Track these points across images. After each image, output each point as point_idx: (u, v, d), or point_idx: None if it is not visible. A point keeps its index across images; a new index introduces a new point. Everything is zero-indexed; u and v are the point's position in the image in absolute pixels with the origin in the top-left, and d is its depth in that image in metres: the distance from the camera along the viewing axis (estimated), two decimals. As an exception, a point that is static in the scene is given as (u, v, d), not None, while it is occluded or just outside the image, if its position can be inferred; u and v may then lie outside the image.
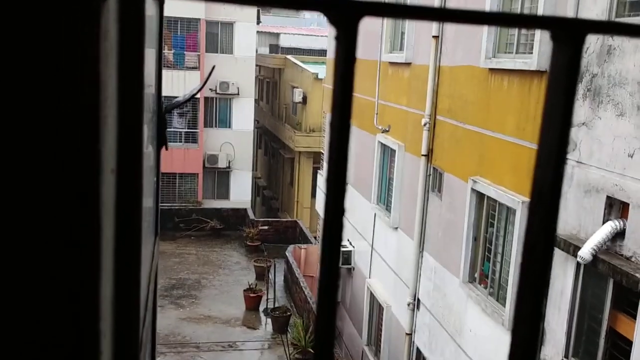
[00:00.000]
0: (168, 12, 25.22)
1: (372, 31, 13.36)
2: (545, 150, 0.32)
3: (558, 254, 6.90)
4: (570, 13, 6.88)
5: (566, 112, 0.31)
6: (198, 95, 25.29)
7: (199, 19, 25.31)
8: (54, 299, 0.46)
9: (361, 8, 0.29)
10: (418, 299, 11.02)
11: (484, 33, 8.78)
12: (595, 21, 0.32)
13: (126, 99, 0.58)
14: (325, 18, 0.30)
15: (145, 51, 0.75)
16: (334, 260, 0.36)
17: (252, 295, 17.75)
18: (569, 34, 0.31)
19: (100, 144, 0.41)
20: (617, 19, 6.25)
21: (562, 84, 0.31)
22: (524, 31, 8.30)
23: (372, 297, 13.28)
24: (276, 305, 17.30)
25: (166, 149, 1.44)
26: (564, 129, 0.31)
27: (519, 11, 8.21)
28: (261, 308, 17.82)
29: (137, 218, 0.72)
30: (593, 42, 6.44)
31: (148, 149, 1.25)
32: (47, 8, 0.39)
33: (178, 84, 24.31)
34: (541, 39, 7.47)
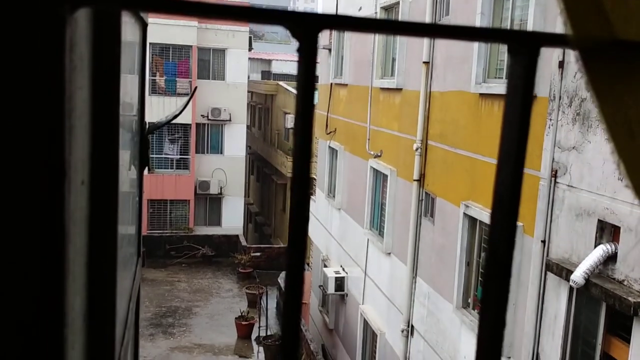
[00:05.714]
0: (160, 39, 25.42)
1: (363, 57, 13.50)
2: (505, 157, 0.33)
3: (551, 278, 6.89)
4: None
5: (523, 121, 0.32)
6: (190, 121, 25.39)
7: (191, 46, 25.53)
8: (16, 306, 0.46)
9: (319, 21, 0.30)
10: (412, 325, 10.94)
11: (474, 58, 8.88)
12: (549, 34, 0.33)
13: (100, 111, 0.58)
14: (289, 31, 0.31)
15: (122, 66, 0.76)
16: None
17: (244, 323, 17.57)
18: (524, 46, 0.32)
19: (65, 153, 0.42)
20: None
21: (520, 93, 0.32)
22: (512, 57, 8.40)
23: (366, 323, 13.17)
24: (269, 333, 17.12)
25: (149, 170, 1.44)
26: (521, 138, 0.32)
27: (509, 19, 8.28)
28: (253, 336, 17.62)
29: (113, 230, 0.73)
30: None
31: (130, 170, 1.25)
32: (9, 18, 0.39)
33: (170, 110, 24.40)
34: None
